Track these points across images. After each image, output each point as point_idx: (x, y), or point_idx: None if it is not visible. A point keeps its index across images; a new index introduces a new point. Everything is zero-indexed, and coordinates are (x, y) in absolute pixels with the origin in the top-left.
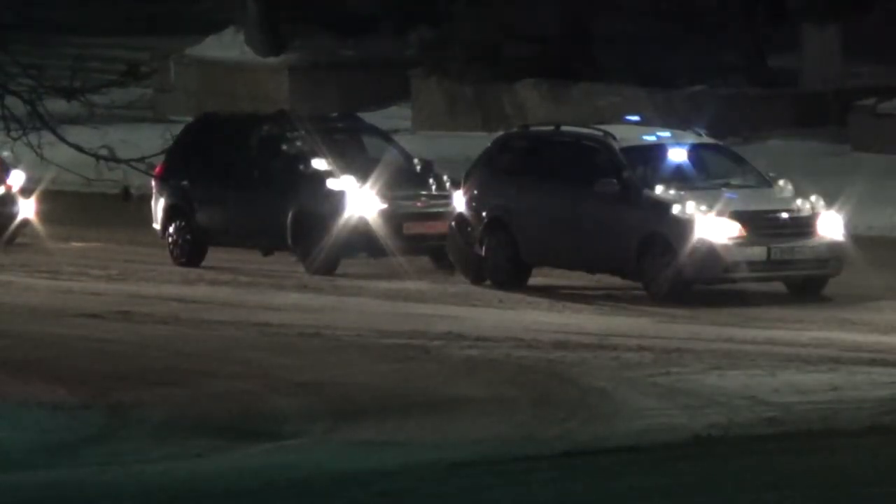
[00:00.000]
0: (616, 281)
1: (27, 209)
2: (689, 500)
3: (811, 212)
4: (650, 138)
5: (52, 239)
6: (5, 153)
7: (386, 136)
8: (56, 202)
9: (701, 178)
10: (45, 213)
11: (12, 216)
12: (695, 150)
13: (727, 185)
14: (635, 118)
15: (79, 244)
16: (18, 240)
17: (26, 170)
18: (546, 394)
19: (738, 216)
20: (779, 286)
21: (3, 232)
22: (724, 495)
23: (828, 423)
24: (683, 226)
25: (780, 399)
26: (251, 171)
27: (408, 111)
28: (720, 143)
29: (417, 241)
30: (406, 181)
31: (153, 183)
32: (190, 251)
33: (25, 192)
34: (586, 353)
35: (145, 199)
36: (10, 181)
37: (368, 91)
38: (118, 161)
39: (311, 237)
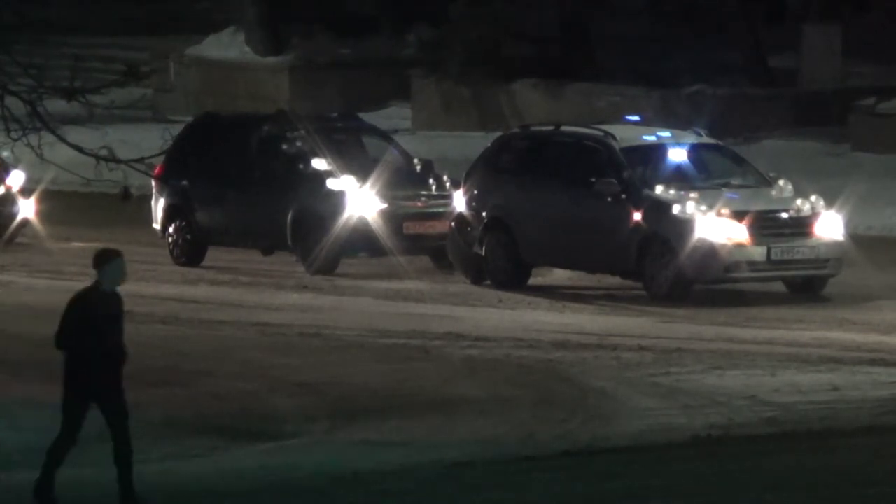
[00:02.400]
0: (616, 281)
1: (27, 209)
2: (689, 500)
3: (811, 212)
4: (650, 138)
5: (52, 239)
6: (5, 153)
7: (386, 136)
8: (56, 202)
9: (701, 178)
10: (45, 213)
11: (12, 216)
12: (695, 150)
13: (727, 185)
14: (635, 118)
15: (79, 244)
16: (18, 240)
17: (26, 170)
18: (546, 394)
19: (738, 216)
20: (779, 286)
21: (3, 232)
22: (724, 495)
23: (828, 423)
24: (683, 226)
25: (780, 399)
26: (251, 171)
27: (407, 111)
28: (720, 143)
29: (417, 241)
30: (406, 181)
31: (153, 183)
32: (190, 251)
33: (25, 192)
34: (586, 353)
35: (145, 199)
36: (10, 181)
37: (368, 91)
38: (118, 161)
39: (311, 237)
